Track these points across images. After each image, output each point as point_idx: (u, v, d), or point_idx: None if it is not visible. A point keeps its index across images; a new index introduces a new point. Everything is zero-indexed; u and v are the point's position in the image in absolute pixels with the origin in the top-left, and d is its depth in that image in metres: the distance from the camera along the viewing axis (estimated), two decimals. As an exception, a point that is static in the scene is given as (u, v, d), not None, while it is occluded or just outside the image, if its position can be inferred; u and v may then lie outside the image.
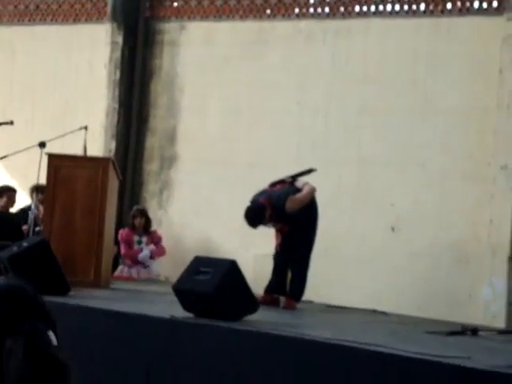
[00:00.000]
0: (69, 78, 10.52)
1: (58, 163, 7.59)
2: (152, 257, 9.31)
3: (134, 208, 9.58)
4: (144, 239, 9.36)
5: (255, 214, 7.25)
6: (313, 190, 7.47)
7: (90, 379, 5.99)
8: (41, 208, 8.40)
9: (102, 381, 5.94)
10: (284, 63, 9.29)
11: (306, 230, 7.44)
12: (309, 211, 7.41)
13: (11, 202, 9.02)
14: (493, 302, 7.72)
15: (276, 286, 7.41)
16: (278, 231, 7.47)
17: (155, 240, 9.40)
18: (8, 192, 9.00)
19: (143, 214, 9.43)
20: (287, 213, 7.23)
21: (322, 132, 9.04)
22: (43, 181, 7.92)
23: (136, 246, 9.32)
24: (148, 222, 9.43)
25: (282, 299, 7.43)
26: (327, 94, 9.05)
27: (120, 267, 9.30)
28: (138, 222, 9.35)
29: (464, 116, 8.16)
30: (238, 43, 9.62)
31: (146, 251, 9.25)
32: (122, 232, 9.31)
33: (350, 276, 8.56)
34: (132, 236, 9.32)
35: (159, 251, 9.37)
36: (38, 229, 8.18)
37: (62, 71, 10.57)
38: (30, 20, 10.89)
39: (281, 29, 9.40)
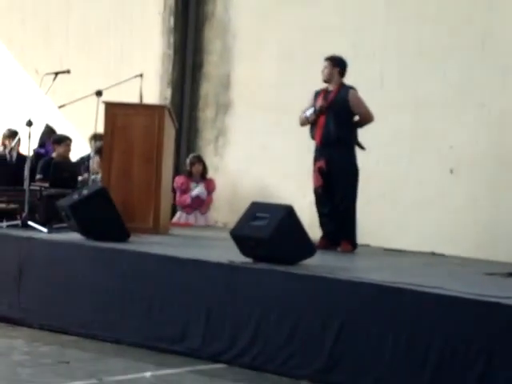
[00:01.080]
0: (123, 26, 10.54)
1: (114, 111, 7.65)
2: (207, 193, 9.32)
3: (191, 155, 9.64)
4: (201, 185, 9.41)
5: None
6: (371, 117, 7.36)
7: (150, 324, 6.11)
8: (96, 157, 8.50)
9: (163, 325, 6.05)
10: (338, 6, 9.15)
11: (355, 176, 7.35)
12: (354, 153, 7.36)
13: (68, 150, 9.15)
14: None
15: (331, 233, 7.38)
16: (317, 171, 7.40)
17: (210, 188, 9.44)
18: (65, 141, 9.12)
19: (200, 160, 9.49)
20: (347, 104, 7.20)
21: (378, 75, 8.93)
22: (101, 129, 8.00)
23: (196, 190, 9.36)
24: (205, 168, 9.49)
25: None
26: (383, 37, 8.91)
27: (178, 214, 9.39)
28: (196, 168, 9.40)
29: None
30: (291, -13, 9.50)
31: (196, 189, 9.27)
32: (178, 179, 9.37)
33: (408, 219, 8.52)
34: (188, 183, 9.38)
35: (210, 188, 9.39)
36: (93, 177, 8.28)
37: (117, 19, 10.59)
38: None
39: (334, -30, 9.24)
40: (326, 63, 7.47)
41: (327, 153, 7.31)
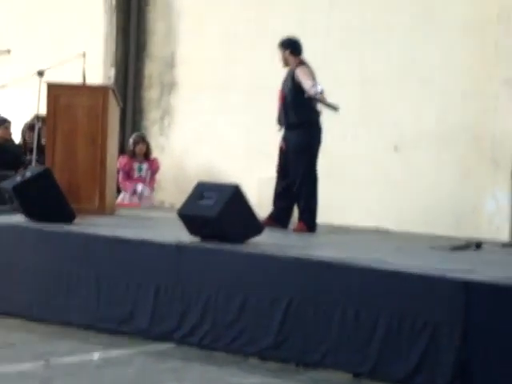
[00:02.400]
0: (65, 5, 10.39)
1: (57, 92, 7.54)
2: (148, 187, 9.27)
3: (135, 134, 9.54)
4: (144, 166, 9.32)
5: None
6: (308, 91, 7.04)
7: (98, 305, 6.07)
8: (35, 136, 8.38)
9: (111, 306, 6.03)
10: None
11: (306, 155, 7.33)
12: (311, 133, 7.33)
13: (8, 132, 9.01)
14: (496, 215, 7.78)
15: (277, 214, 7.37)
16: (279, 151, 7.41)
17: (154, 168, 9.35)
18: (3, 123, 8.99)
19: (144, 140, 9.39)
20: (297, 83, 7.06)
21: (323, 52, 8.95)
22: (44, 110, 7.89)
23: (136, 174, 9.29)
24: (148, 148, 9.40)
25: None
26: (327, 14, 8.93)
27: (121, 195, 9.31)
28: (139, 148, 9.31)
29: (464, 31, 8.06)
30: (235, -36, 9.46)
31: (139, 187, 9.21)
32: (121, 160, 9.24)
33: (354, 196, 8.60)
34: (131, 163, 9.29)
35: (153, 168, 9.33)
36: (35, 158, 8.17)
37: (59, -1, 10.44)
38: None
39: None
40: (278, 50, 7.42)
41: (285, 134, 7.35)
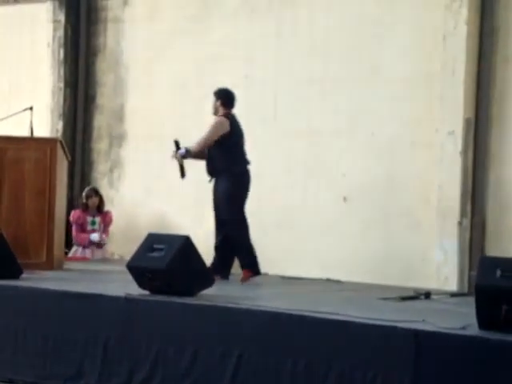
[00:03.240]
0: (12, 59, 10.36)
1: (4, 145, 7.49)
2: (103, 234, 9.22)
3: (87, 188, 9.50)
4: (97, 219, 9.28)
5: None
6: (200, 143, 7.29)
7: (45, 362, 5.95)
8: None
9: (58, 363, 5.91)
10: (230, 37, 9.25)
11: (231, 204, 7.32)
12: (236, 183, 7.36)
13: None
14: (444, 265, 7.85)
15: (217, 265, 7.39)
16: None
17: (107, 221, 9.32)
18: None
19: (97, 193, 9.36)
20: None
21: (271, 104, 9.04)
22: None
23: (89, 227, 9.24)
24: (102, 201, 9.36)
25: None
26: (275, 67, 9.04)
27: (74, 248, 9.23)
28: (92, 201, 9.27)
29: (410, 83, 8.21)
30: (183, 18, 9.55)
31: (95, 234, 9.17)
32: (74, 213, 9.23)
33: (304, 247, 8.61)
34: (85, 217, 9.24)
35: (106, 221, 9.29)
36: None
37: (5, 52, 10.41)
38: (-31, 1, 10.68)
39: (226, 1, 9.34)
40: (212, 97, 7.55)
41: (213, 184, 7.41)
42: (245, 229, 7.38)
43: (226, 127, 7.36)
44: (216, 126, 7.37)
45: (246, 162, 7.46)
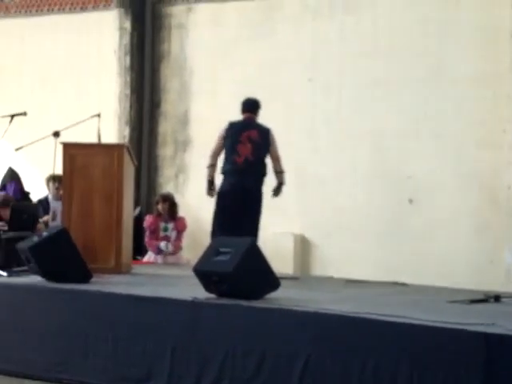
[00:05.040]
0: (79, 67, 10.56)
1: (73, 152, 7.61)
2: (175, 242, 9.27)
3: (159, 194, 9.63)
4: (170, 225, 9.35)
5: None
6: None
7: (115, 365, 6.04)
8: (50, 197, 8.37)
9: (128, 366, 5.99)
10: (293, 41, 9.27)
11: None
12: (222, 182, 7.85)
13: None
14: (514, 267, 7.74)
15: None
16: None
17: (179, 228, 9.36)
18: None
19: (165, 199, 9.41)
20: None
21: (335, 107, 9.03)
22: (59, 170, 7.95)
23: (161, 233, 9.31)
24: (173, 207, 9.40)
25: None
26: (338, 69, 9.02)
27: (148, 254, 9.34)
28: (162, 207, 9.35)
29: (477, 83, 8.12)
30: (246, 23, 9.60)
31: (163, 243, 9.23)
32: (148, 219, 9.35)
33: (368, 250, 8.57)
34: (157, 223, 9.33)
35: (179, 227, 9.34)
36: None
37: (72, 60, 10.61)
38: (37, 10, 10.91)
39: (288, 6, 9.36)
40: None
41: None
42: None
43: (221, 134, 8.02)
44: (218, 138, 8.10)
45: (231, 164, 7.85)
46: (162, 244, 9.23)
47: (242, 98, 9.58)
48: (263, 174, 7.78)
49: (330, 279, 7.96)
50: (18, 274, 7.07)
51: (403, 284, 7.83)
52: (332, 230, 8.79)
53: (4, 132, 7.76)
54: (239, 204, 7.65)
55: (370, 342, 5.08)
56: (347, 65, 8.98)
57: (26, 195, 9.87)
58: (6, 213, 8.50)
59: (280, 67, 9.28)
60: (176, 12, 10.12)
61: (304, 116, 9.00)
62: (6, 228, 8.16)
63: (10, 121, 7.76)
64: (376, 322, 5.12)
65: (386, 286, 7.69)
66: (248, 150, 7.75)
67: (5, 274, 7.02)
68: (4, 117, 7.83)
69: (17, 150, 8.05)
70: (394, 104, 8.65)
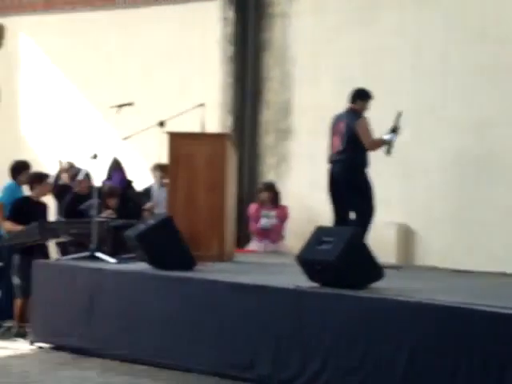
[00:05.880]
0: (183, 57, 10.69)
1: (178, 141, 7.71)
2: (275, 221, 9.31)
3: (261, 183, 9.72)
4: (272, 213, 9.41)
5: None
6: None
7: (219, 352, 6.10)
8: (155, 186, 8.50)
9: (232, 353, 6.05)
10: (397, 28, 9.14)
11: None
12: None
13: (45, 190, 8.14)
14: None
15: None
16: None
17: (281, 216, 9.40)
18: (45, 178, 8.16)
19: (267, 188, 9.49)
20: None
21: (440, 95, 8.87)
22: (163, 159, 8.08)
23: (263, 221, 9.39)
24: (275, 195, 9.47)
25: None
26: (442, 56, 8.85)
27: (251, 242, 9.43)
28: (263, 196, 9.44)
29: None
30: (348, 10, 9.52)
31: (264, 220, 9.30)
32: (251, 207, 9.45)
33: (475, 240, 8.40)
34: (259, 211, 9.42)
35: (281, 215, 9.36)
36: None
37: (177, 50, 10.74)
38: (143, 2, 11.10)
39: (391, -8, 9.24)
40: None
41: None
42: None
43: None
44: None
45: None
46: (264, 221, 9.29)
47: (344, 87, 9.53)
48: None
49: (434, 269, 7.85)
50: (126, 261, 7.23)
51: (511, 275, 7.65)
52: (436, 220, 8.65)
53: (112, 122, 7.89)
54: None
55: (478, 334, 4.98)
56: (452, 52, 8.80)
57: (129, 184, 10.07)
58: (113, 202, 8.71)
59: (383, 54, 9.17)
60: (278, 1, 10.12)
61: (407, 104, 8.86)
62: (114, 216, 8.36)
63: (118, 111, 7.90)
64: (486, 313, 5.01)
65: (493, 277, 7.52)
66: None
67: (114, 261, 7.19)
68: (112, 107, 7.99)
69: (124, 139, 8.22)
70: (500, 91, 8.43)
